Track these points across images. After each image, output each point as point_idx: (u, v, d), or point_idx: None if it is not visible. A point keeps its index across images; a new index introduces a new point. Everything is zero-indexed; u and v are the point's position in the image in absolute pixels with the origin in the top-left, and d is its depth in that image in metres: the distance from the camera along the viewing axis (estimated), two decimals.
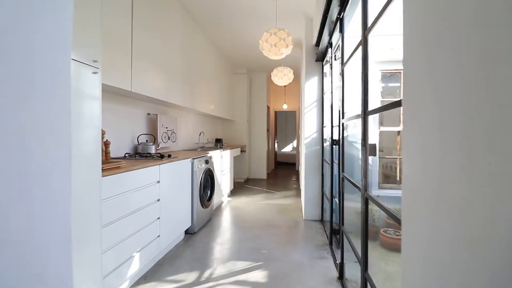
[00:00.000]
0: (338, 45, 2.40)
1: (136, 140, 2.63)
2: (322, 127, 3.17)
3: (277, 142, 9.59)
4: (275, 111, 8.37)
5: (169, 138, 3.06)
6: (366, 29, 1.26)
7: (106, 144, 2.16)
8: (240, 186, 5.36)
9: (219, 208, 3.76)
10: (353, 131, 3.03)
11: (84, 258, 1.29)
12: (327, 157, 3.02)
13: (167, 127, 3.04)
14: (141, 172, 1.83)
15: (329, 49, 2.64)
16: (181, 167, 2.49)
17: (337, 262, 1.95)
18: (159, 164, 2.06)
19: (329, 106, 2.64)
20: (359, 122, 1.74)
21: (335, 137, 2.40)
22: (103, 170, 1.48)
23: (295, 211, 3.62)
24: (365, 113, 1.26)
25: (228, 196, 4.47)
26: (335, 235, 2.45)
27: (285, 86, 6.53)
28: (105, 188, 1.47)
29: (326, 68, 3.06)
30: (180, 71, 3.01)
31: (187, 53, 3.23)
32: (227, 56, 5.06)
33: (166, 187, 2.18)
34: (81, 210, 1.25)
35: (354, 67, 1.86)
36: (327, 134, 3.07)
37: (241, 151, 5.66)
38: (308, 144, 3.27)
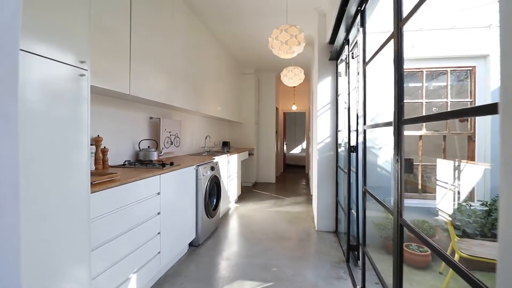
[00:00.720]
0: (356, 42, 2.17)
1: (138, 146, 2.47)
2: (337, 131, 2.94)
3: (286, 144, 9.35)
4: (283, 112, 8.14)
5: (171, 143, 2.89)
6: (400, 20, 1.04)
7: (103, 152, 2.00)
8: (248, 191, 5.16)
9: (226, 215, 3.57)
10: (369, 136, 2.79)
11: (68, 286, 1.12)
12: (342, 163, 2.79)
13: (170, 131, 2.87)
14: (139, 184, 1.65)
15: (346, 47, 2.41)
16: (185, 176, 2.31)
17: (358, 287, 1.73)
18: (160, 174, 1.88)
19: (345, 108, 2.41)
20: (383, 129, 1.52)
21: (353, 143, 2.18)
22: (93, 184, 1.31)
23: (307, 221, 3.39)
24: (399, 122, 1.04)
25: (236, 202, 4.28)
26: (353, 251, 2.23)
27: (294, 86, 6.30)
28: (96, 205, 1.30)
29: (341, 67, 2.83)
30: (184, 72, 2.83)
31: (192, 52, 3.05)
32: (234, 56, 4.87)
33: (167, 199, 2.00)
34: (60, 233, 1.07)
35: (376, 66, 1.64)
36: (341, 139, 2.83)
37: (249, 154, 5.46)
38: (321, 149, 3.04)
